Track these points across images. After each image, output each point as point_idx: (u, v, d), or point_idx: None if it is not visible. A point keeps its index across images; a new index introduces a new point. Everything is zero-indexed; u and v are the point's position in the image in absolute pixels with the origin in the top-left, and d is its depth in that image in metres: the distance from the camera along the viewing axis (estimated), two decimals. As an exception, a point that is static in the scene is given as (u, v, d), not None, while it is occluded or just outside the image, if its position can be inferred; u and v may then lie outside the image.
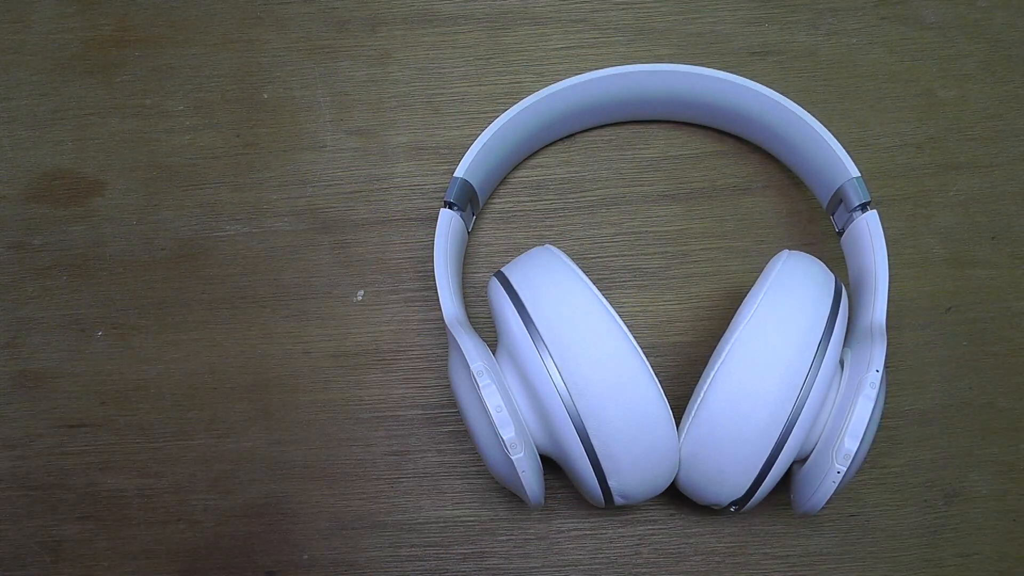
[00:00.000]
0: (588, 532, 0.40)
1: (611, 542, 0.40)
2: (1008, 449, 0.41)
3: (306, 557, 0.40)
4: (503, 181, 0.43)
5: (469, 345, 0.33)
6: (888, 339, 0.42)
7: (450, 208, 0.38)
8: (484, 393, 0.32)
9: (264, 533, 0.40)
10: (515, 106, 0.39)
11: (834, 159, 0.38)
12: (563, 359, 0.32)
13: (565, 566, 0.40)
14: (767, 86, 0.44)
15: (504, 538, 0.40)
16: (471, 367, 0.32)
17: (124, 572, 0.39)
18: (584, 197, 0.43)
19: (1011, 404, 0.42)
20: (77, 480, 0.41)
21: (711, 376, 0.33)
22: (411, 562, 0.40)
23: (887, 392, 0.42)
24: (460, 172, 0.38)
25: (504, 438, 0.32)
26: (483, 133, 0.39)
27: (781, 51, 0.44)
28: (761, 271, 0.37)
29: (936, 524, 0.41)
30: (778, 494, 0.40)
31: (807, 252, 0.43)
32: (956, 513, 0.41)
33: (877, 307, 0.35)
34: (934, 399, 0.42)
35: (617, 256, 0.43)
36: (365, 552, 0.40)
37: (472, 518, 0.40)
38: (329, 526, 0.40)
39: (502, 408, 0.32)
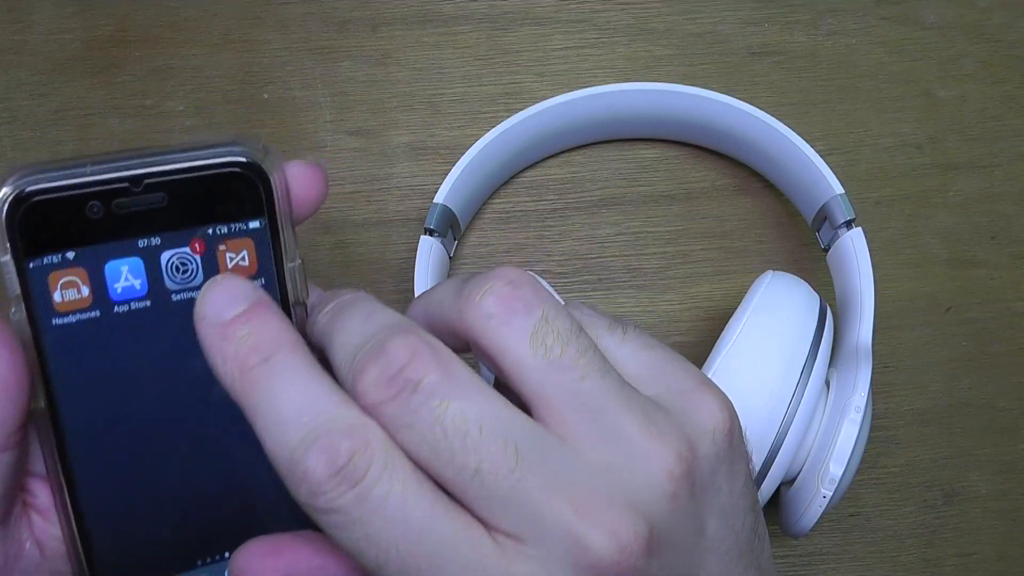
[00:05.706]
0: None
1: (611, 542, 0.40)
2: (1008, 449, 0.41)
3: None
4: (504, 182, 0.43)
5: None
6: (888, 339, 0.42)
7: (431, 235, 0.38)
8: None
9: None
10: (486, 135, 0.39)
11: (817, 176, 0.38)
12: None
13: (565, 566, 0.40)
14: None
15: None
16: None
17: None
18: (584, 197, 0.43)
19: (1011, 404, 0.42)
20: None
21: None
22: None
23: (886, 391, 0.42)
24: (440, 198, 0.38)
25: None
26: (461, 160, 0.39)
27: (781, 51, 0.44)
28: (758, 275, 0.37)
29: (935, 524, 0.41)
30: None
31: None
32: (955, 513, 0.41)
33: (863, 327, 0.35)
34: (934, 399, 0.42)
35: (617, 256, 0.43)
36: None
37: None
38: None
39: None
